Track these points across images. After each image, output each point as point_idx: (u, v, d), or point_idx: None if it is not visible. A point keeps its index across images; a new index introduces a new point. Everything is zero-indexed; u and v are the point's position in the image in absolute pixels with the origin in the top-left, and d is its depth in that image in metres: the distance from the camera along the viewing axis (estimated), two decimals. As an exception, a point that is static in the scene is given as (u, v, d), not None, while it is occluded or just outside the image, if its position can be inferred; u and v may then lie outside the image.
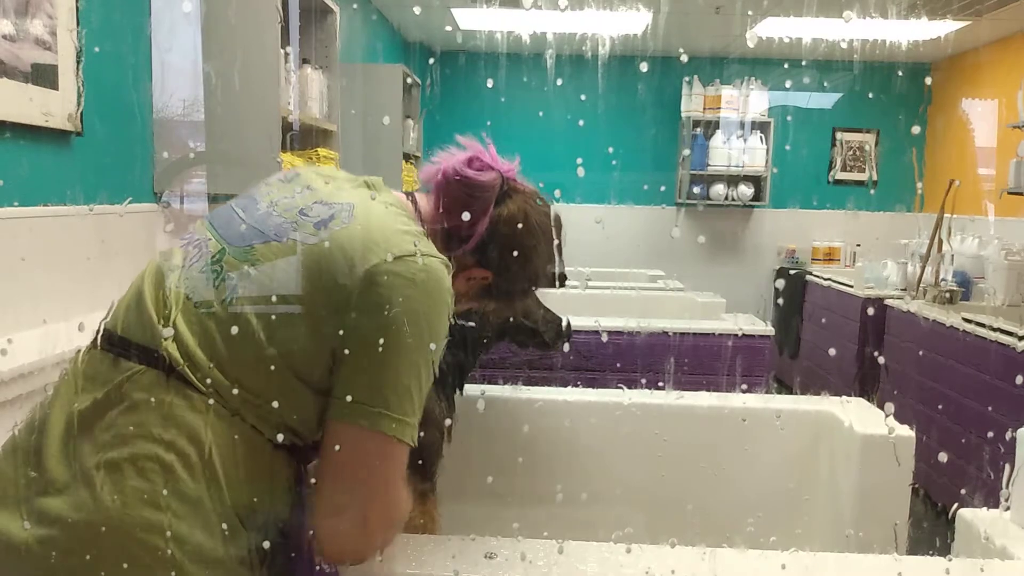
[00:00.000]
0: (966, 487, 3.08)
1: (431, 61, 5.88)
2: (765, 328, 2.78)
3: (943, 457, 3.40)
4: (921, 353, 3.69)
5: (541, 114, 5.84)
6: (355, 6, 4.15)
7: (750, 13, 4.86)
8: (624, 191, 6.07)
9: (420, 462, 1.53)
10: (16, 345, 1.54)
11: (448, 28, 5.27)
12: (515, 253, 1.17)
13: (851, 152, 6.31)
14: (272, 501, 0.98)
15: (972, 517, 1.25)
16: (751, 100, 5.95)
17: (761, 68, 6.01)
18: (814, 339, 5.27)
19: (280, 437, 0.97)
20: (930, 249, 4.01)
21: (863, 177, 6.33)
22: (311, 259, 0.97)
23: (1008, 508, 1.24)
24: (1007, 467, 1.23)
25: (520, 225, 1.16)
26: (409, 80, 4.29)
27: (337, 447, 0.95)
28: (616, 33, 5.12)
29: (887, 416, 1.64)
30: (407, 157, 4.21)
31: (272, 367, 0.95)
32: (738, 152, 5.99)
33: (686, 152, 6.05)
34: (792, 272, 5.67)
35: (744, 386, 1.80)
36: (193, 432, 0.92)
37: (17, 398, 1.44)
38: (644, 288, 4.09)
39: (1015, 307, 3.61)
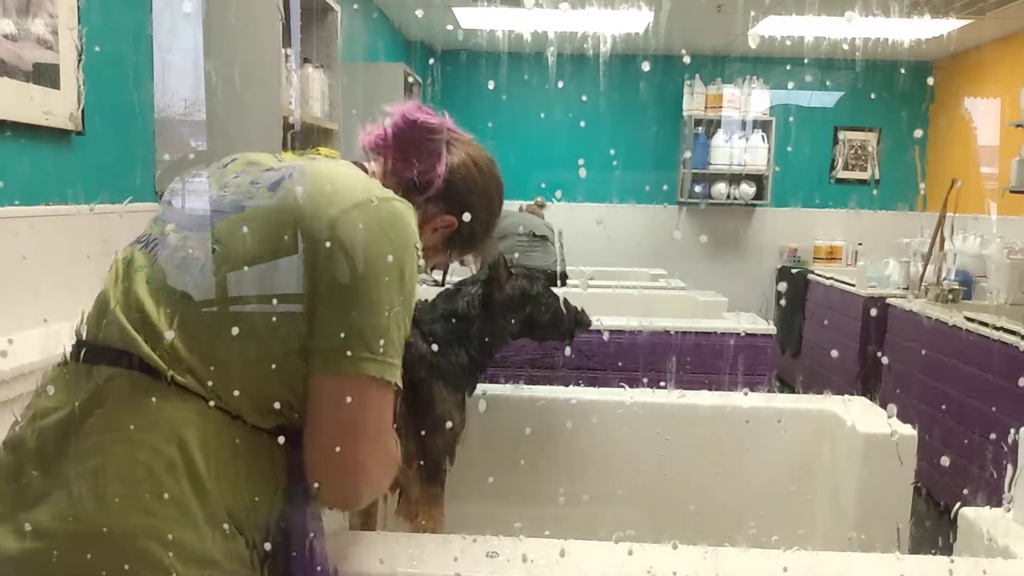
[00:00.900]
0: (968, 486, 3.08)
1: (431, 60, 5.87)
2: (767, 327, 2.78)
3: (945, 456, 3.40)
4: (923, 352, 3.69)
5: (542, 113, 5.84)
6: (356, 5, 4.15)
7: (752, 13, 4.85)
8: (626, 190, 6.07)
9: (430, 466, 1.53)
10: (17, 345, 1.54)
11: (449, 27, 5.27)
12: (474, 195, 1.19)
13: (853, 151, 6.31)
14: (268, 496, 0.97)
15: (974, 516, 1.25)
16: (753, 99, 5.95)
17: (763, 66, 6.00)
18: (816, 338, 5.26)
19: (274, 422, 0.96)
20: (932, 248, 4.00)
21: (865, 176, 6.32)
22: (273, 222, 0.96)
23: (1010, 510, 1.23)
24: (1009, 468, 1.23)
25: (474, 167, 1.20)
26: (410, 79, 4.29)
27: (324, 398, 0.94)
28: (618, 32, 5.11)
29: (889, 417, 1.64)
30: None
31: (258, 343, 0.94)
32: (740, 151, 5.99)
33: (687, 155, 6.05)
34: (794, 271, 5.67)
35: (746, 390, 1.80)
36: (177, 432, 0.91)
37: (18, 397, 1.43)
38: (646, 287, 4.10)
39: (1017, 306, 3.60)
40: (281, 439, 0.97)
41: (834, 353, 4.84)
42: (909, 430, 1.57)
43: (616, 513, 1.66)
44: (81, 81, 1.85)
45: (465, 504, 1.58)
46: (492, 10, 4.73)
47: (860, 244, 6.03)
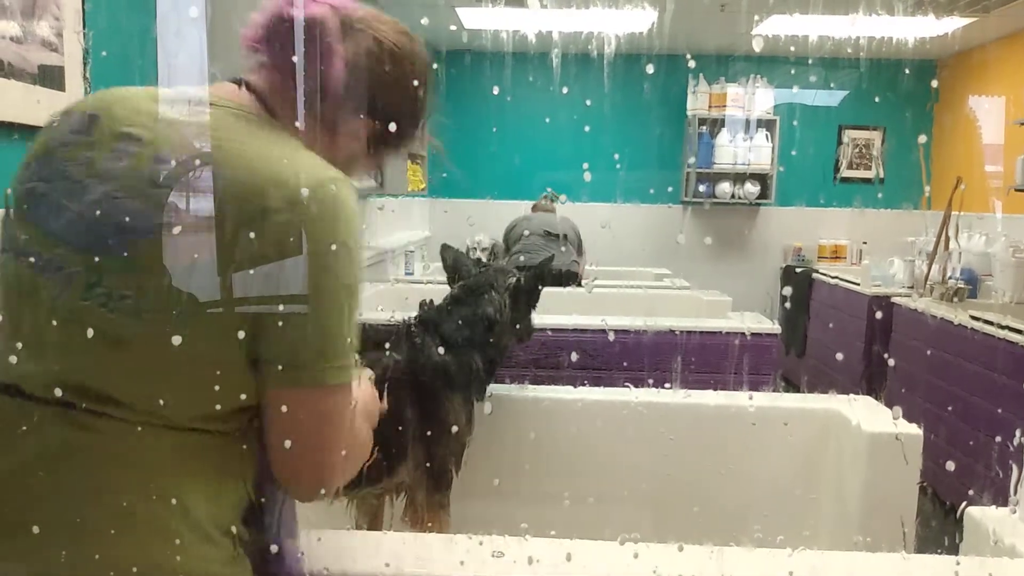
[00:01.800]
0: (974, 486, 3.07)
1: (434, 64, 5.87)
2: (771, 327, 2.77)
3: (951, 455, 3.39)
4: (928, 351, 3.68)
5: (547, 113, 5.84)
6: (360, 6, 4.15)
7: (756, 18, 4.85)
8: (630, 190, 6.06)
9: (438, 472, 1.53)
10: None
11: (453, 28, 5.27)
12: (388, 88, 1.03)
13: (857, 150, 6.29)
14: (234, 498, 0.93)
15: (981, 515, 1.25)
16: (757, 98, 5.94)
17: (767, 66, 5.99)
18: (821, 337, 5.25)
19: (222, 426, 0.91)
20: (937, 247, 3.99)
21: (870, 175, 6.31)
22: (193, 238, 0.85)
23: (1016, 510, 1.23)
24: (1015, 467, 1.23)
25: (382, 52, 1.01)
26: (414, 80, 4.29)
27: (284, 414, 0.89)
28: (621, 31, 5.11)
29: (896, 419, 1.64)
30: (412, 157, 4.21)
31: (188, 361, 0.86)
32: (744, 150, 5.98)
33: (692, 160, 6.04)
34: (798, 270, 5.66)
35: (751, 394, 1.80)
36: (128, 460, 0.86)
37: None
38: (650, 287, 4.09)
39: (1023, 304, 3.59)
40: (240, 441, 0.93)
41: (839, 354, 4.83)
42: (914, 429, 1.57)
43: (621, 512, 1.66)
44: (87, 84, 1.85)
45: (470, 503, 1.58)
46: (496, 11, 4.73)
47: (865, 243, 6.02)
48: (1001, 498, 1.27)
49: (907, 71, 6.00)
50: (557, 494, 1.50)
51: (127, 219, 0.85)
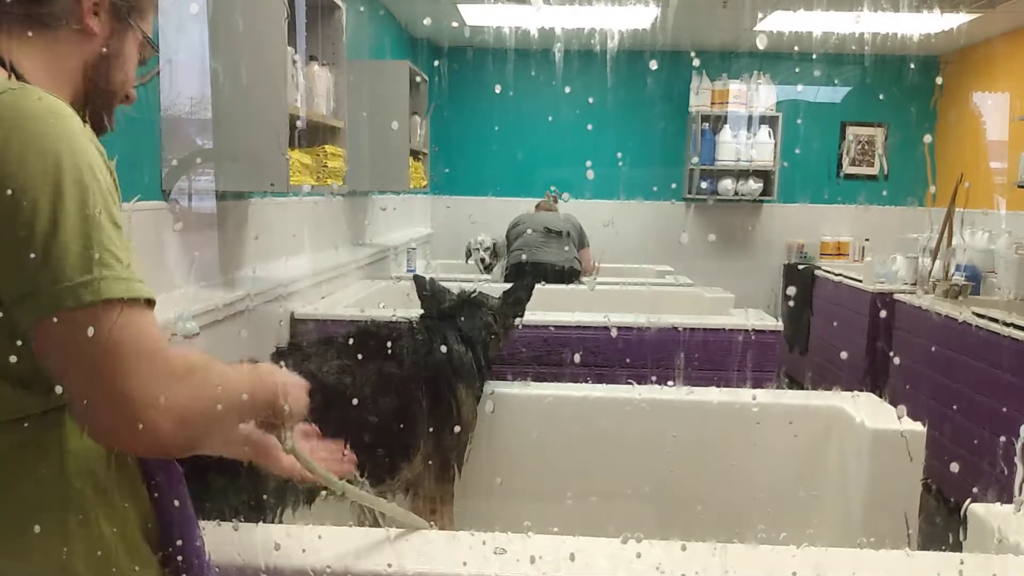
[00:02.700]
0: (978, 482, 3.07)
1: (436, 62, 5.86)
2: (774, 323, 2.77)
3: (955, 452, 3.38)
4: (932, 348, 3.67)
5: (549, 109, 5.83)
6: (361, 3, 4.15)
7: (759, 14, 4.83)
8: (633, 186, 6.05)
9: (443, 465, 1.53)
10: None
11: (455, 24, 5.26)
12: None
13: (860, 146, 6.28)
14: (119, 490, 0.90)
15: (985, 513, 1.24)
16: (760, 94, 5.93)
17: (770, 62, 5.98)
18: (823, 334, 5.25)
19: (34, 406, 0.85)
20: (940, 243, 3.98)
21: (873, 171, 6.29)
22: None
23: (1020, 507, 1.23)
24: (1019, 464, 1.22)
25: None
26: (417, 77, 4.29)
27: (45, 348, 0.80)
28: (624, 28, 5.10)
29: (900, 417, 1.64)
30: (414, 154, 4.21)
31: None
32: (746, 147, 5.97)
33: (695, 160, 6.03)
34: (801, 267, 5.65)
35: (754, 392, 1.80)
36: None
37: None
38: (653, 284, 4.09)
39: (1027, 301, 3.59)
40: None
41: (842, 352, 4.82)
42: (917, 426, 1.57)
43: (624, 508, 1.66)
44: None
45: (473, 500, 1.58)
46: (498, 7, 4.73)
47: (867, 240, 6.01)
48: (1005, 495, 1.26)
49: (911, 67, 5.98)
50: (559, 491, 1.50)
51: None
